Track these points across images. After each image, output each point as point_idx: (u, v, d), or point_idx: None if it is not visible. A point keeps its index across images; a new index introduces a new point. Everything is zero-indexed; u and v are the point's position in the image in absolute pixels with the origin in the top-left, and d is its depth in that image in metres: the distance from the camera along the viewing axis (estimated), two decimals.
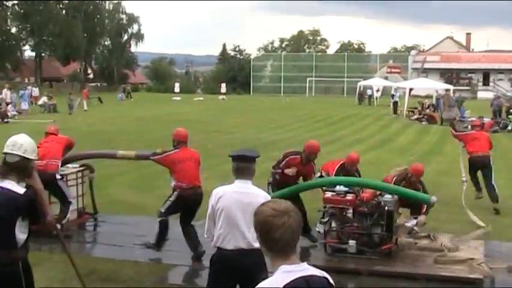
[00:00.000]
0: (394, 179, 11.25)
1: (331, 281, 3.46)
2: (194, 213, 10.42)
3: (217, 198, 6.32)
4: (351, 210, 10.48)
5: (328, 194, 10.43)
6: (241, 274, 6.17)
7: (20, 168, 5.66)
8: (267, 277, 4.11)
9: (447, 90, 44.66)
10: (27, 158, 5.73)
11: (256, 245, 5.73)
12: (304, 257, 10.29)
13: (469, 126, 16.21)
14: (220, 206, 6.26)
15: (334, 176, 11.49)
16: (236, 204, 6.21)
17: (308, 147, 11.01)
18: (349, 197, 10.28)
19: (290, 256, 3.39)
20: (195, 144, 24.88)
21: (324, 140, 27.55)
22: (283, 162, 10.98)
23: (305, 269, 3.39)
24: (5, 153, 5.72)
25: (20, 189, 5.56)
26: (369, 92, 61.84)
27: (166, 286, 9.24)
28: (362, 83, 64.04)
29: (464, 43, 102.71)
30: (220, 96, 68.55)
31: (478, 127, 16.43)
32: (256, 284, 4.34)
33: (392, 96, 48.66)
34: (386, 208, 10.06)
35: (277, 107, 50.88)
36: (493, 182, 14.34)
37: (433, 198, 10.44)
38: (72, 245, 10.28)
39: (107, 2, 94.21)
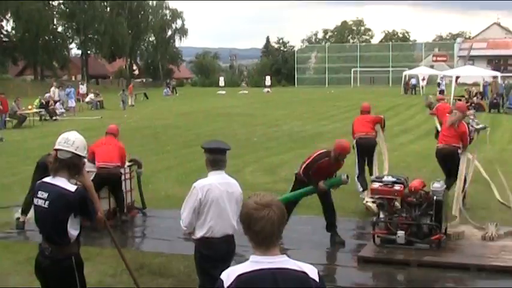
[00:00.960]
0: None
1: (315, 276, 3.46)
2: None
3: (204, 191, 6.54)
4: (399, 201, 10.38)
5: (376, 185, 10.35)
6: (230, 258, 6.57)
7: (71, 164, 5.74)
8: None
9: (494, 77, 43.98)
10: (79, 155, 5.81)
11: (235, 231, 6.50)
12: (354, 249, 10.27)
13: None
14: (210, 198, 6.51)
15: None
16: (223, 195, 6.55)
17: (339, 148, 10.58)
18: (397, 187, 10.18)
19: (270, 248, 3.46)
20: (240, 138, 25.11)
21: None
22: (314, 169, 10.68)
23: (277, 262, 3.44)
24: (57, 150, 5.78)
25: (72, 186, 5.65)
26: (413, 81, 61.18)
27: None
28: (407, 72, 63.44)
29: (511, 29, 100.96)
30: (265, 89, 68.58)
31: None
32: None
33: (439, 84, 48.05)
34: (435, 198, 9.94)
35: (322, 99, 50.71)
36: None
37: (344, 177, 10.38)
38: (122, 239, 10.39)
39: None
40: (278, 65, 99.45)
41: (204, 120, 34.18)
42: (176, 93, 68.70)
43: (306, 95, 59.07)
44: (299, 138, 25.37)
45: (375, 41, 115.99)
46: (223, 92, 66.43)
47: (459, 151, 12.99)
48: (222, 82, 74.25)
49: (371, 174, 14.00)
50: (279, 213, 3.43)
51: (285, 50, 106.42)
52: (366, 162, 14.42)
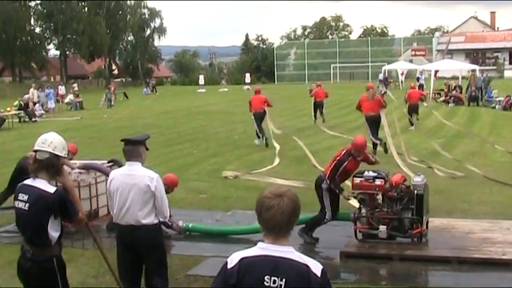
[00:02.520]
0: (343, 153, 10.82)
1: (317, 271, 3.52)
2: None
3: (109, 181, 7.07)
4: (380, 196, 10.41)
5: (357, 180, 10.37)
6: (134, 247, 6.86)
7: (50, 165, 5.74)
8: (160, 251, 6.54)
9: (473, 70, 44.24)
10: (57, 155, 5.80)
11: (145, 221, 6.69)
12: (335, 244, 10.29)
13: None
14: (112, 188, 6.93)
15: (332, 172, 10.46)
16: (123, 185, 6.82)
17: (357, 146, 10.60)
18: (378, 182, 10.21)
19: (279, 237, 3.56)
20: (221, 136, 25.10)
21: (351, 125, 27.55)
22: (340, 172, 10.59)
23: (282, 251, 3.53)
24: (36, 151, 5.80)
25: (51, 188, 5.65)
26: (380, 76, 61.31)
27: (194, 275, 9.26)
28: (387, 67, 63.70)
29: (489, 22, 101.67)
30: (245, 87, 68.48)
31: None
32: (149, 255, 6.91)
33: (418, 79, 48.25)
34: (416, 192, 9.99)
35: (302, 95, 50.55)
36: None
37: (352, 215, 10.38)
38: (104, 240, 10.36)
39: None
40: (258, 62, 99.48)
41: (184, 118, 34.14)
42: (156, 92, 68.49)
43: (286, 91, 59.09)
44: (280, 135, 25.41)
45: (354, 36, 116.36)
46: (203, 90, 66.35)
47: (380, 113, 19.22)
48: (201, 80, 73.98)
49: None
50: (290, 205, 3.52)
51: (264, 47, 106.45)
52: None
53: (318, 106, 29.19)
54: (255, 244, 3.62)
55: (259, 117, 22.02)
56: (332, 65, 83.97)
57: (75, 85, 54.46)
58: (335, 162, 10.55)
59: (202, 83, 72.72)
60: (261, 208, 3.54)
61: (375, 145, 19.31)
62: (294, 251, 3.56)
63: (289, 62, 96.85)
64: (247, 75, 76.80)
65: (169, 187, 10.60)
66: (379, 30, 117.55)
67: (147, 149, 7.05)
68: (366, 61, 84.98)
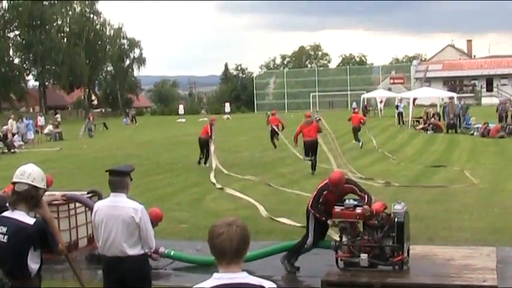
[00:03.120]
0: (324, 183, 10.83)
1: None
2: None
3: (94, 213, 7.04)
4: (361, 224, 10.42)
5: (338, 209, 10.37)
6: (120, 278, 6.83)
7: (29, 196, 5.71)
8: (147, 282, 6.37)
9: (451, 98, 44.64)
10: (36, 187, 5.77)
11: (131, 253, 6.69)
12: (317, 272, 10.27)
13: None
14: (97, 220, 6.93)
15: (314, 201, 10.53)
16: (108, 217, 6.81)
17: (330, 181, 10.55)
18: (359, 210, 10.21)
19: (231, 265, 3.70)
20: (201, 165, 25.05)
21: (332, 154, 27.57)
22: (321, 201, 10.60)
23: (237, 278, 3.68)
24: (15, 183, 5.77)
25: (30, 219, 5.60)
26: (354, 104, 61.90)
27: None
28: (366, 95, 64.09)
29: (465, 50, 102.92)
30: (225, 116, 68.65)
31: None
32: (135, 286, 6.82)
33: (397, 107, 48.65)
34: (396, 220, 10.01)
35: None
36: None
37: (333, 243, 10.51)
38: (83, 272, 10.28)
39: (108, 27, 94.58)
40: (237, 91, 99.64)
41: (164, 148, 34.10)
42: (136, 122, 68.42)
43: (265, 120, 59.23)
44: (260, 163, 25.44)
45: (333, 65, 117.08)
46: (183, 120, 66.34)
47: (317, 139, 22.12)
48: (181, 110, 73.99)
49: None
50: (239, 232, 3.68)
51: (244, 76, 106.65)
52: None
53: (272, 133, 31.52)
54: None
55: (311, 145, 22.46)
56: (311, 94, 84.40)
57: (58, 116, 54.44)
58: (316, 190, 10.62)
59: (182, 112, 72.74)
60: (212, 236, 3.69)
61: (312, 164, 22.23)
62: (248, 275, 3.69)
63: (268, 91, 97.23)
64: (227, 104, 77.00)
65: (154, 222, 10.56)
66: (358, 59, 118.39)
67: (131, 179, 7.06)
68: (345, 89, 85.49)
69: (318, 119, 24.20)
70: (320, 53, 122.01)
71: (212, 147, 24.52)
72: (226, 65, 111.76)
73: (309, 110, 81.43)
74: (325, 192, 10.50)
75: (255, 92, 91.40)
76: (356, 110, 38.78)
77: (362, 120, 33.99)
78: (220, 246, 3.66)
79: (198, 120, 65.97)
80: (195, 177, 22.45)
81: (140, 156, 30.43)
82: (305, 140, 22.57)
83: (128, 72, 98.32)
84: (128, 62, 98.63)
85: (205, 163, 25.09)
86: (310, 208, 10.50)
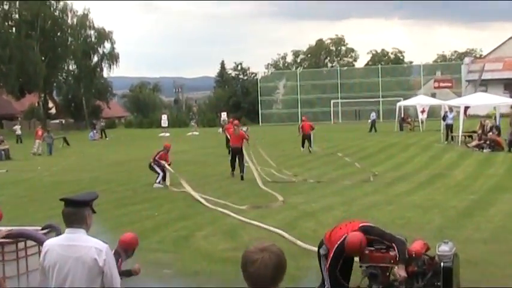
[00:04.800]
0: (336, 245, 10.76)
1: None
2: None
3: (44, 253, 6.76)
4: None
5: (366, 251, 10.34)
6: None
7: None
8: None
9: None
10: None
11: None
12: None
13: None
14: (47, 263, 6.66)
15: (333, 258, 10.73)
16: (62, 259, 6.56)
17: (347, 249, 10.45)
18: (393, 252, 10.18)
19: None
20: (190, 193, 25.05)
21: (356, 178, 27.64)
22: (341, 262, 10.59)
23: None
24: None
25: None
26: (373, 115, 62.23)
27: None
28: (403, 102, 64.04)
29: None
30: (220, 130, 68.76)
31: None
32: None
33: (444, 118, 48.41)
34: (442, 264, 9.98)
35: (294, 140, 50.82)
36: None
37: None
38: None
39: (70, 14, 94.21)
40: (237, 97, 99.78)
41: (142, 171, 33.98)
42: (106, 137, 68.54)
43: (273, 135, 59.34)
44: (265, 192, 25.40)
45: (360, 64, 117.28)
46: (167, 134, 66.43)
47: (243, 147, 30.00)
48: (165, 121, 74.19)
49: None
50: (274, 259, 4.20)
51: (245, 78, 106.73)
52: None
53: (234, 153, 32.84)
54: None
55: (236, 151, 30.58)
56: (332, 101, 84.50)
57: (17, 127, 53.68)
58: (333, 251, 10.48)
59: (166, 125, 72.88)
60: (245, 263, 4.22)
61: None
62: None
63: (277, 98, 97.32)
64: (224, 114, 76.99)
65: (129, 249, 10.56)
66: (392, 56, 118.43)
67: (93, 211, 6.93)
68: (376, 95, 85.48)
69: (246, 129, 35.82)
70: (344, 48, 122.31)
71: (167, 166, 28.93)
72: (222, 64, 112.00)
73: (329, 121, 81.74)
74: (344, 254, 10.44)
75: (259, 98, 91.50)
76: (304, 118, 47.15)
77: (312, 127, 42.92)
78: (255, 274, 4.16)
79: (187, 135, 66.15)
80: (183, 207, 22.42)
81: (111, 180, 30.43)
82: (232, 146, 31.15)
83: (95, 73, 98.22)
84: (95, 59, 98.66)
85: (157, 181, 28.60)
86: (328, 271, 10.46)
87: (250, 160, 29.94)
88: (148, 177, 30.49)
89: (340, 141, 49.30)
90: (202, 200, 22.80)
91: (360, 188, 24.89)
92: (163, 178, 28.51)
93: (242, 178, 29.40)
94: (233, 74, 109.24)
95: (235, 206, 21.73)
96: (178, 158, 39.00)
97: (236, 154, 30.30)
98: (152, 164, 29.06)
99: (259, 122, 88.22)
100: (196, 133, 69.68)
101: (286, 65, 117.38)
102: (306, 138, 41.98)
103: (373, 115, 63.51)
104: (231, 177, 30.07)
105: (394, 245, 10.26)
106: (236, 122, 36.86)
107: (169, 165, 28.93)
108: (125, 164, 38.02)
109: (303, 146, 41.83)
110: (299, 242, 15.61)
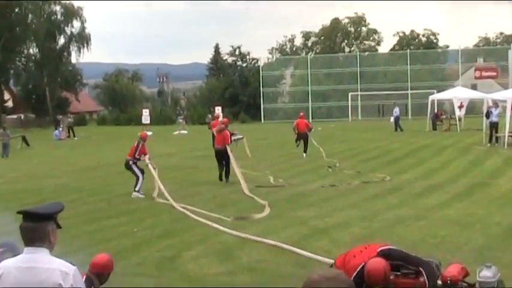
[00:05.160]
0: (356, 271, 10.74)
1: None
2: None
3: None
4: None
5: (392, 276, 10.34)
6: None
7: None
8: None
9: None
10: None
11: None
12: None
13: None
14: None
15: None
16: (21, 284, 6.43)
17: (368, 277, 10.42)
18: (423, 278, 10.17)
19: None
20: (176, 208, 25.08)
21: (378, 189, 27.62)
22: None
23: None
24: None
25: None
26: (395, 111, 62.15)
27: None
28: (436, 95, 63.98)
29: None
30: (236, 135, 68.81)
31: None
32: None
33: (487, 114, 48.17)
34: None
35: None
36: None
37: None
38: None
39: None
40: (234, 89, 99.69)
41: (119, 177, 34.05)
42: (74, 136, 68.60)
43: (277, 135, 59.28)
44: (272, 200, 25.41)
45: (384, 48, 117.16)
46: (149, 133, 66.36)
47: (227, 148, 30.99)
48: (146, 118, 74.13)
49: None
50: None
51: (245, 65, 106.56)
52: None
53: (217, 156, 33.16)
54: None
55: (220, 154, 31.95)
56: (350, 94, 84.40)
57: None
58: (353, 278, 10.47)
59: (148, 121, 72.88)
60: None
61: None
62: None
63: (283, 90, 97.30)
64: (218, 109, 76.90)
65: (102, 274, 10.56)
66: (424, 40, 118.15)
67: (59, 226, 6.87)
68: (404, 87, 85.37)
69: (236, 135, 36.37)
70: (364, 29, 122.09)
71: (151, 168, 28.86)
72: (216, 48, 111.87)
73: (345, 118, 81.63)
74: (364, 286, 10.45)
75: (261, 90, 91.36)
76: (302, 114, 46.17)
77: (308, 127, 43.17)
78: None
79: (173, 134, 66.18)
80: (168, 222, 22.43)
81: (81, 189, 30.48)
82: (215, 148, 32.55)
83: (61, 58, 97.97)
84: (62, 41, 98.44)
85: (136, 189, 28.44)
86: None
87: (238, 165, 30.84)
88: (126, 185, 30.50)
89: (358, 142, 49.28)
90: (191, 214, 22.80)
91: (383, 199, 24.85)
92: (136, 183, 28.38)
93: (222, 180, 31.32)
94: (229, 60, 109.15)
95: (216, 216, 21.86)
96: (162, 162, 39.03)
97: (220, 158, 31.70)
98: (130, 162, 28.76)
99: (261, 119, 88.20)
100: (185, 132, 69.69)
101: (294, 49, 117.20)
102: (301, 138, 42.44)
103: (395, 111, 63.17)
104: (220, 182, 31.30)
105: (421, 269, 10.27)
106: (225, 120, 36.64)
107: (154, 169, 28.66)
108: (98, 169, 38.06)
109: (297, 145, 42.61)
110: (326, 260, 15.53)
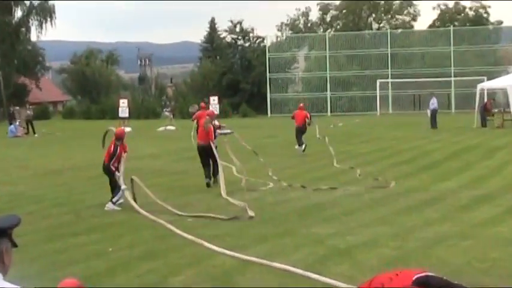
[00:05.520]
0: None
1: None
2: None
3: None
4: None
5: None
6: None
7: None
8: None
9: None
10: None
11: None
12: None
13: None
14: None
15: None
16: None
17: None
18: None
19: None
20: (161, 224, 25.11)
21: (413, 200, 27.60)
22: None
23: None
24: None
25: None
26: (432, 103, 62.07)
27: None
28: (486, 84, 63.93)
29: None
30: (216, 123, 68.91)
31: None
32: None
33: None
34: None
35: (319, 140, 51.02)
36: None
37: None
38: None
39: None
40: (234, 74, 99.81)
41: (89, 185, 34.13)
42: (34, 132, 68.72)
43: (287, 132, 59.26)
44: (278, 215, 25.42)
45: (421, 25, 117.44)
46: (128, 130, 66.41)
47: (212, 145, 32.70)
48: (124, 110, 74.11)
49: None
50: None
51: (247, 45, 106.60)
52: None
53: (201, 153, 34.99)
54: None
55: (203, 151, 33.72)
56: (379, 81, 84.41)
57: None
58: None
59: (126, 115, 72.94)
60: None
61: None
62: None
63: (295, 76, 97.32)
64: (213, 100, 76.96)
65: None
66: (472, 14, 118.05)
67: (14, 245, 6.86)
68: (446, 73, 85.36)
69: (230, 132, 37.17)
70: (397, 1, 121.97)
71: (122, 168, 28.78)
72: (212, 24, 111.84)
73: (373, 111, 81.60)
74: None
75: (268, 76, 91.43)
76: (301, 105, 49.69)
77: (307, 119, 46.34)
78: None
79: (157, 131, 66.28)
80: (150, 240, 22.41)
81: (42, 198, 30.50)
82: (198, 144, 34.37)
83: (18, 35, 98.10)
84: (19, 13, 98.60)
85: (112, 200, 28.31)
86: None
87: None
88: (99, 193, 30.53)
89: (388, 142, 49.34)
90: (178, 230, 22.78)
91: (419, 213, 24.74)
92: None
93: (208, 185, 32.75)
94: (228, 39, 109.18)
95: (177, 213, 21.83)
96: (144, 165, 39.18)
97: (204, 155, 33.48)
98: (111, 165, 28.32)
99: (267, 112, 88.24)
100: (172, 128, 69.74)
101: (309, 25, 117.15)
102: (299, 132, 45.33)
103: (432, 103, 62.61)
104: (207, 187, 32.54)
105: None
106: (211, 111, 38.84)
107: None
108: (63, 174, 38.10)
109: (299, 144, 45.32)
110: None
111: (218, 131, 35.47)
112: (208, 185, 32.64)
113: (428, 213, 24.83)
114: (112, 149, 28.26)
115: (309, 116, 46.05)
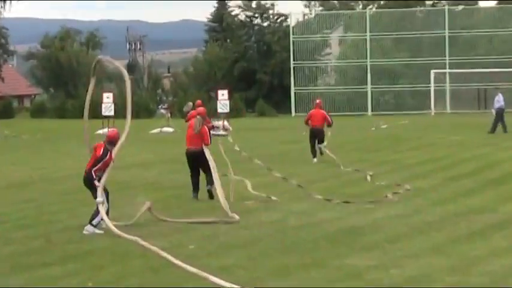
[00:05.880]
0: None
1: None
2: None
3: None
4: None
5: None
6: None
7: None
8: None
9: None
10: None
11: None
12: None
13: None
14: None
15: None
16: None
17: None
18: None
19: None
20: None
21: (479, 223, 27.62)
22: None
23: None
24: None
25: None
26: (498, 101, 62.15)
27: None
28: None
29: None
30: (217, 122, 68.96)
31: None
32: None
33: None
34: None
35: (357, 145, 51.09)
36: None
37: None
38: None
39: None
40: (248, 62, 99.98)
41: (64, 201, 34.21)
42: None
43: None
44: (303, 241, 25.47)
45: (486, 2, 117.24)
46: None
47: (205, 151, 33.42)
48: (109, 107, 74.26)
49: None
50: None
51: (266, 25, 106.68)
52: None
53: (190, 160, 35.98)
54: None
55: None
56: (433, 71, 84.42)
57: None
58: None
59: (111, 112, 73.11)
60: None
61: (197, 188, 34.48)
62: None
63: (326, 64, 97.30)
64: (222, 94, 77.02)
65: None
66: None
67: None
68: None
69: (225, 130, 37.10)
70: None
71: (103, 179, 28.23)
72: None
73: (426, 110, 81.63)
74: None
75: (291, 65, 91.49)
76: (318, 102, 49.76)
77: (328, 119, 47.04)
78: None
79: (151, 133, 66.55)
80: (139, 272, 22.42)
81: (4, 218, 30.57)
82: (187, 150, 35.18)
83: None
84: None
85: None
86: None
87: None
88: (76, 212, 30.62)
89: (445, 149, 49.42)
90: (176, 260, 22.75)
91: (484, 240, 24.71)
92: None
93: (210, 195, 33.97)
94: (242, 17, 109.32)
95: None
96: (133, 177, 39.33)
97: (195, 162, 34.65)
98: (94, 176, 27.84)
99: (290, 110, 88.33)
100: (169, 129, 69.95)
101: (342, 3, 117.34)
102: (316, 136, 46.14)
103: (498, 100, 62.38)
104: (195, 200, 34.37)
105: None
106: (201, 109, 38.00)
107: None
108: (31, 188, 38.24)
109: (313, 155, 46.65)
110: None
111: (211, 131, 36.97)
112: (196, 196, 34.17)
113: (496, 240, 24.80)
114: (101, 153, 27.86)
115: (330, 119, 46.83)
